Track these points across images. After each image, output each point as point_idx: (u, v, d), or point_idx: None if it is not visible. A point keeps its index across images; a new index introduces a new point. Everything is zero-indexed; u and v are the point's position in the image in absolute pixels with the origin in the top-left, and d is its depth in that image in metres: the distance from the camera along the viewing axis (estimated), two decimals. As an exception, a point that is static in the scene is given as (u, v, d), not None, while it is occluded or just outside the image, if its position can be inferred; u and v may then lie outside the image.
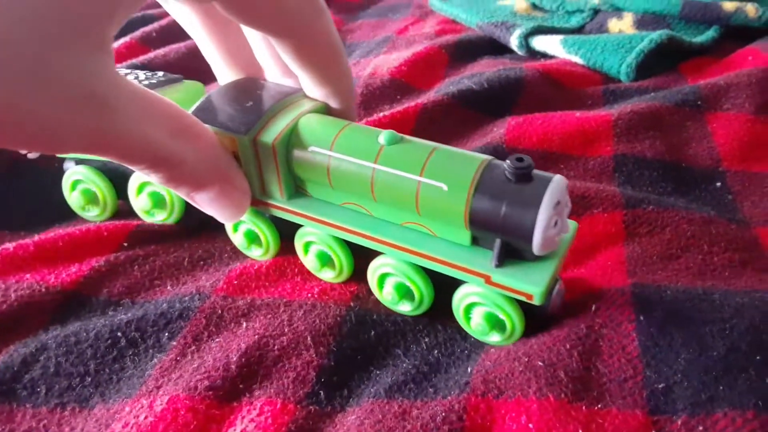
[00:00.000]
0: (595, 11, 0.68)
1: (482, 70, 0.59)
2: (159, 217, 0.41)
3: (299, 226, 0.35)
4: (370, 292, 0.35)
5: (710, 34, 0.62)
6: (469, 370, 0.30)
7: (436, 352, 0.32)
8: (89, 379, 0.31)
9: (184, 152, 0.29)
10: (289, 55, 0.32)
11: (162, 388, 0.29)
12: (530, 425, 0.26)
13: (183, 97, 0.40)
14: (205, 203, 0.31)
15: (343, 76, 0.34)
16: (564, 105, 0.53)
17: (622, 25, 0.65)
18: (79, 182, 0.42)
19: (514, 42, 0.64)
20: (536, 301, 0.29)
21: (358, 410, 0.28)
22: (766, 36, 0.61)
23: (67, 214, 0.44)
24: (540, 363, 0.29)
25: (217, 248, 0.40)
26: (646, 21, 0.64)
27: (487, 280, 0.29)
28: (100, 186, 0.42)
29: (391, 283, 0.33)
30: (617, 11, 0.66)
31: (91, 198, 0.43)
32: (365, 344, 0.32)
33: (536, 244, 0.28)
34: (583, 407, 0.27)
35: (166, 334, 0.32)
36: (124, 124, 0.26)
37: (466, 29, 0.71)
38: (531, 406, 0.27)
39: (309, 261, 0.36)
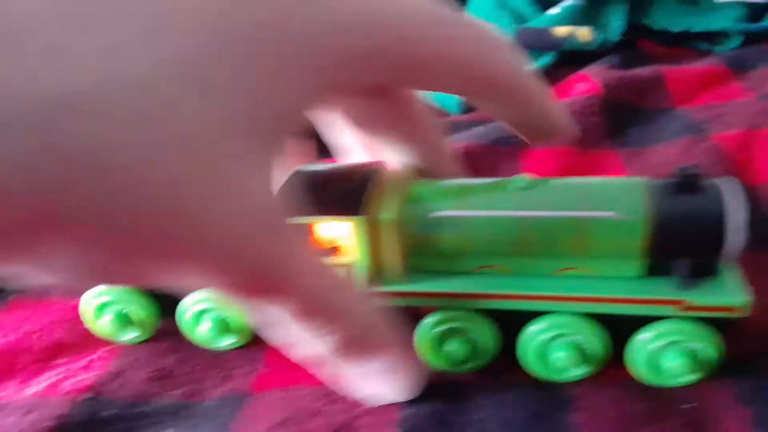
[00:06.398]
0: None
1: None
2: (227, 342, 0.33)
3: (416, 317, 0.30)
4: (117, 374, 0.30)
5: (545, 60, 0.61)
6: None
7: None
8: None
9: (348, 300, 0.24)
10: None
11: None
12: None
13: None
14: (377, 376, 0.26)
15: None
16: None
17: (460, 53, 0.62)
18: (109, 305, 0.33)
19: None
20: (744, 313, 0.26)
21: None
22: (601, 59, 0.61)
23: None
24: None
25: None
26: (482, 49, 0.62)
27: (681, 305, 0.27)
28: (134, 305, 0.33)
29: (561, 348, 0.28)
30: (455, 40, 0.64)
31: (127, 321, 0.33)
32: None
33: (727, 252, 0.27)
34: None
35: None
36: (301, 256, 0.22)
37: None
38: None
39: (448, 351, 0.30)
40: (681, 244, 0.27)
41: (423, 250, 0.29)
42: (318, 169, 0.31)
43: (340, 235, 0.28)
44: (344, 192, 0.29)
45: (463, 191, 0.29)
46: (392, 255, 0.29)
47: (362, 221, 0.27)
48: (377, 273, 0.29)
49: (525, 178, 0.28)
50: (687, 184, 0.27)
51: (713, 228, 0.26)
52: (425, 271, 0.30)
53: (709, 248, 0.27)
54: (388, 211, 0.28)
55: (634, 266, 0.28)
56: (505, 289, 0.28)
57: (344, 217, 0.28)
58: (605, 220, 0.27)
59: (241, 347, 0.33)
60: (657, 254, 0.27)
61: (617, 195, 0.27)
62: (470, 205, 0.28)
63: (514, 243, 0.28)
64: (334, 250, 0.29)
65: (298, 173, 0.30)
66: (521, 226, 0.27)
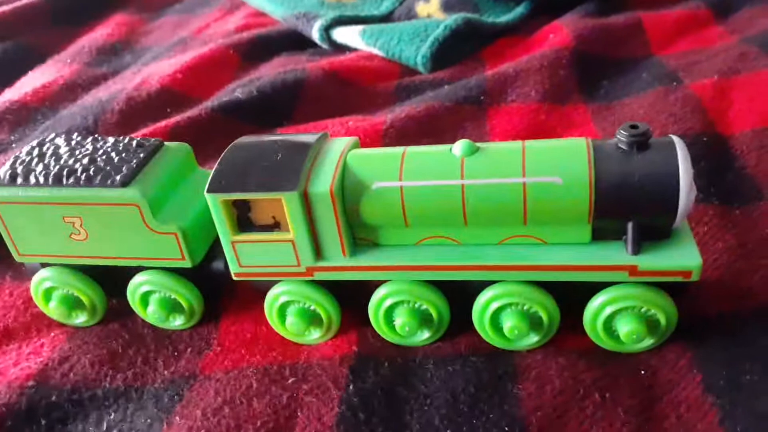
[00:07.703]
0: (405, -6, 0.63)
1: (273, 71, 0.53)
2: (177, 322, 0.32)
3: (362, 291, 0.29)
4: (64, 359, 0.30)
5: (519, 10, 0.58)
6: None
7: (115, 430, 0.27)
8: None
9: None
10: None
11: None
12: None
13: (176, 165, 0.31)
14: None
15: None
16: (351, 106, 0.48)
17: (430, 8, 0.60)
18: (55, 289, 0.32)
19: (315, 35, 0.58)
20: (695, 277, 0.25)
21: None
22: (577, 7, 0.58)
23: None
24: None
25: None
26: (452, 2, 0.60)
27: (632, 271, 0.25)
28: (81, 289, 0.32)
29: (511, 316, 0.27)
30: (425, -7, 0.62)
31: (74, 303, 0.32)
32: None
33: (681, 212, 0.25)
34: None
35: None
36: None
37: (274, 23, 0.65)
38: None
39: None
40: (629, 206, 0.25)
41: (365, 223, 0.28)
42: (257, 140, 0.30)
43: (280, 209, 0.27)
44: (281, 165, 0.27)
45: (406, 158, 0.27)
46: (331, 229, 0.27)
47: (295, 196, 0.26)
48: (319, 247, 0.28)
49: (468, 143, 0.27)
50: (634, 143, 0.25)
51: (663, 189, 0.25)
52: (369, 244, 0.29)
53: (659, 210, 0.25)
54: (322, 184, 0.26)
55: (582, 232, 0.27)
56: (452, 261, 0.27)
57: (276, 193, 0.26)
58: (547, 185, 0.25)
59: (195, 326, 0.32)
60: (605, 218, 0.26)
61: (561, 158, 0.26)
62: (412, 175, 0.27)
63: (458, 212, 0.26)
64: (276, 224, 0.28)
65: (236, 146, 0.29)
66: (464, 194, 0.26)
